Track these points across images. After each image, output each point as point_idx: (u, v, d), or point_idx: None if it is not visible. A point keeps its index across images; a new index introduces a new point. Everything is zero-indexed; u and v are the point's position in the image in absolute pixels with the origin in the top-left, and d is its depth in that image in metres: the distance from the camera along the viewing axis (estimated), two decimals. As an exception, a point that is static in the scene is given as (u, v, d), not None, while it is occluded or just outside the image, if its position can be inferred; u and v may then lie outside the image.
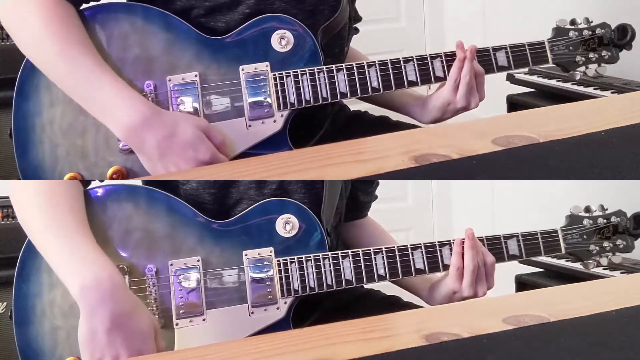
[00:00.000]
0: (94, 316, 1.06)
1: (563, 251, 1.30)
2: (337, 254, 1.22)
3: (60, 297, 1.18)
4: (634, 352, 1.01)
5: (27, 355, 1.18)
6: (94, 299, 1.07)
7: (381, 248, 1.23)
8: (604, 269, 1.96)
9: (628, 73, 1.94)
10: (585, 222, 1.31)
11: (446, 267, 1.26)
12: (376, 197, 1.49)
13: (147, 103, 1.17)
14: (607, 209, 1.33)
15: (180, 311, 1.18)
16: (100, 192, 1.21)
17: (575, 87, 2.01)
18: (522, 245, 1.28)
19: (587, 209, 1.32)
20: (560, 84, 2.06)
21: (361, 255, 1.23)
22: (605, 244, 1.31)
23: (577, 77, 1.35)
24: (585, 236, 1.31)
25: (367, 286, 1.43)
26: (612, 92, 1.91)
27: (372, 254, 1.23)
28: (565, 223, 1.32)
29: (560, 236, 1.30)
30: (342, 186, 1.33)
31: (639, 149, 1.13)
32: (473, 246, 1.24)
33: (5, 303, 1.85)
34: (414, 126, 1.42)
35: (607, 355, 1.01)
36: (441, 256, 1.25)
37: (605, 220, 1.32)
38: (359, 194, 1.43)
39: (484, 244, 1.27)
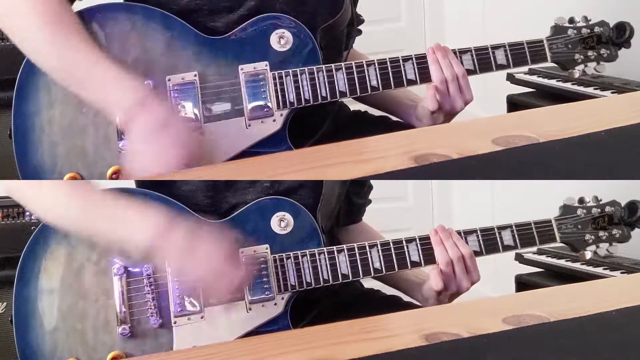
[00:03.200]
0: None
1: (558, 240, 1.30)
2: (333, 248, 1.22)
3: (59, 299, 1.18)
4: (634, 352, 1.01)
5: (27, 357, 1.18)
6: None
7: (376, 242, 1.24)
8: (604, 269, 1.96)
9: (628, 73, 1.94)
10: (579, 212, 1.31)
11: None
12: (370, 201, 1.49)
13: (141, 86, 1.16)
14: (601, 200, 1.32)
15: (178, 309, 1.18)
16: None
17: (575, 87, 2.01)
18: (516, 236, 1.28)
19: (581, 200, 1.32)
20: (560, 84, 2.06)
21: (356, 249, 1.23)
22: (601, 233, 1.30)
23: (576, 76, 1.34)
24: (580, 226, 1.30)
25: (367, 286, 1.43)
26: (612, 92, 1.91)
27: (367, 247, 1.23)
28: (558, 213, 1.31)
29: (554, 226, 1.29)
30: (339, 188, 1.33)
31: (639, 149, 1.13)
32: (438, 242, 1.24)
33: (5, 303, 1.84)
34: (414, 126, 1.41)
35: (607, 355, 1.01)
36: None
37: (599, 210, 1.31)
38: (351, 196, 1.43)
39: (477, 236, 1.27)
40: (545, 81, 2.10)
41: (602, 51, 1.34)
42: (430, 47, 1.28)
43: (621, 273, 1.91)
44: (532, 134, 1.16)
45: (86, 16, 1.22)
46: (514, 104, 2.16)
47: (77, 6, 1.24)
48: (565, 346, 1.04)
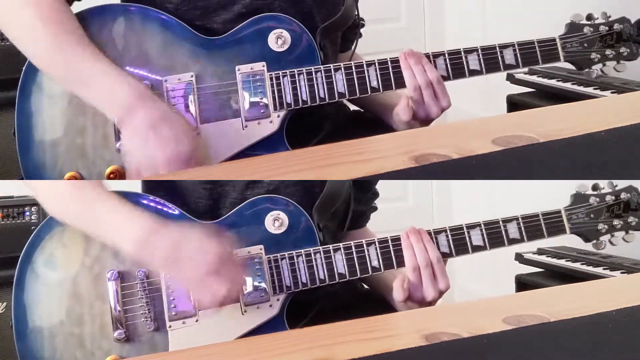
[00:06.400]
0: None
1: (568, 232, 1.25)
2: (329, 247, 1.21)
3: (56, 305, 1.19)
4: (634, 352, 1.01)
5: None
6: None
7: (374, 240, 1.23)
8: (604, 269, 1.96)
9: (628, 73, 1.93)
10: (592, 200, 1.25)
11: (443, 255, 1.23)
12: (375, 208, 1.47)
13: (139, 85, 1.17)
14: (616, 186, 1.25)
15: (173, 313, 1.18)
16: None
17: (575, 87, 2.01)
18: (522, 228, 1.24)
19: (595, 187, 1.25)
20: (560, 84, 2.05)
21: (353, 247, 1.22)
22: (616, 222, 1.25)
23: (594, 76, 1.29)
24: (592, 215, 1.25)
25: (367, 285, 1.43)
26: (612, 92, 1.91)
27: (365, 245, 1.22)
28: (569, 202, 1.26)
29: (563, 216, 1.24)
30: (346, 190, 1.32)
31: (639, 149, 1.13)
32: (408, 246, 1.22)
33: (5, 303, 1.84)
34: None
35: (607, 355, 1.00)
36: (436, 245, 1.24)
37: (614, 197, 1.25)
38: (353, 202, 1.42)
39: (480, 230, 1.25)
40: (545, 81, 2.10)
41: (622, 50, 1.28)
42: (402, 52, 1.25)
43: (621, 273, 1.91)
44: (532, 134, 1.16)
45: (85, 17, 1.22)
46: (514, 104, 2.15)
47: (76, 7, 1.24)
48: (565, 346, 1.04)
